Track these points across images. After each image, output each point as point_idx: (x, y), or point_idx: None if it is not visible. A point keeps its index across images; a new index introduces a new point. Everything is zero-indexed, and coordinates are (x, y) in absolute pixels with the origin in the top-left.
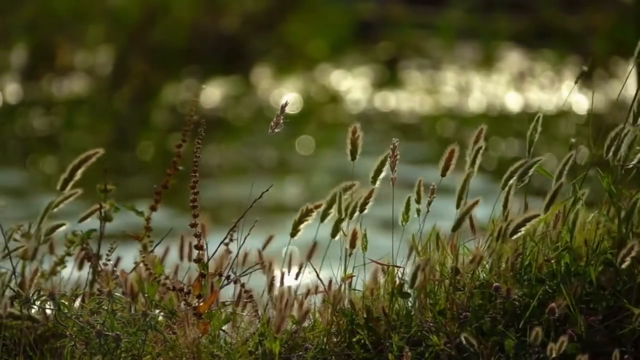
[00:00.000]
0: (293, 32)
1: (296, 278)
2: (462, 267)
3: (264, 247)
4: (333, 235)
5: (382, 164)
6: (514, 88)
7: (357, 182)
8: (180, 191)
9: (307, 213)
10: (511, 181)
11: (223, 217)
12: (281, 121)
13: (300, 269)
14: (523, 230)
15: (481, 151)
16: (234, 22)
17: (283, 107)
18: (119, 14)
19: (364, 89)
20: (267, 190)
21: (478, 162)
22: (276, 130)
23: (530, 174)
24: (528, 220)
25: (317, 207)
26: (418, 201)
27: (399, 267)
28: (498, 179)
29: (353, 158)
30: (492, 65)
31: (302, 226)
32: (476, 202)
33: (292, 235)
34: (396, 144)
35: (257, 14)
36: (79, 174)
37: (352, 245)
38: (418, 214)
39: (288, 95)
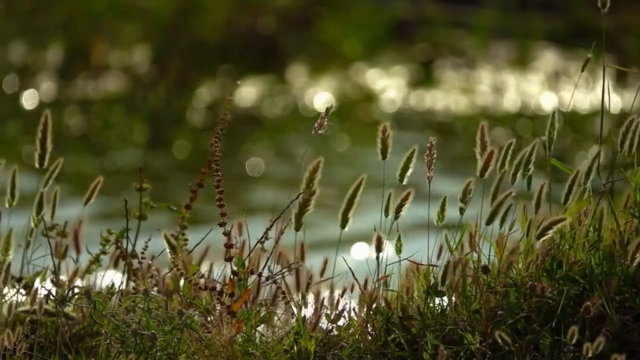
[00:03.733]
0: (328, 31)
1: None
2: (494, 266)
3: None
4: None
5: (409, 161)
6: (549, 87)
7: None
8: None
9: (306, 204)
10: (518, 174)
11: (259, 216)
12: (325, 123)
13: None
14: (550, 232)
15: (510, 153)
16: (270, 21)
17: (328, 109)
18: (154, 12)
19: (399, 88)
20: (302, 193)
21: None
22: (320, 132)
23: (533, 161)
24: (554, 223)
25: (312, 194)
26: (463, 200)
27: (435, 265)
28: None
29: (384, 157)
30: (526, 64)
31: (304, 218)
32: (509, 194)
33: (296, 229)
34: (433, 142)
35: (292, 12)
36: (49, 144)
37: (379, 249)
38: (461, 213)
39: (323, 94)
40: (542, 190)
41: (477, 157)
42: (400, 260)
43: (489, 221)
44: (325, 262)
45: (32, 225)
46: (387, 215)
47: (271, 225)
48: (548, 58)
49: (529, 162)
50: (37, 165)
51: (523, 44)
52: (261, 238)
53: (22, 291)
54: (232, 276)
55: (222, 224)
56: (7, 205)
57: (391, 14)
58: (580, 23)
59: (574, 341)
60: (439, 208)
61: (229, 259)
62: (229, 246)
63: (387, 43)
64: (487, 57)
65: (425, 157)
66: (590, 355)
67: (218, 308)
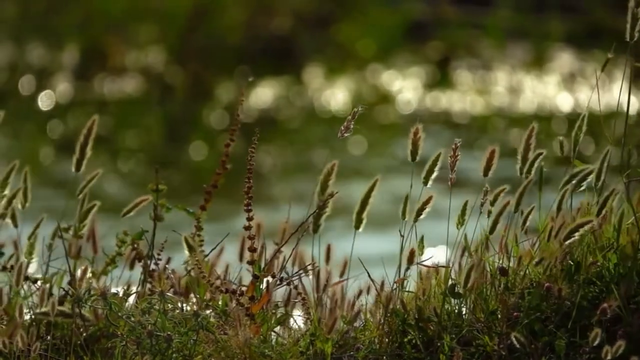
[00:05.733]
0: (344, 32)
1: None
2: (512, 268)
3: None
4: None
5: (434, 164)
6: (565, 89)
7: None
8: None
9: (324, 205)
10: (569, 185)
11: (274, 218)
12: (351, 126)
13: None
14: (577, 235)
15: (541, 157)
16: (286, 22)
17: (355, 113)
18: (171, 14)
19: (415, 89)
20: (332, 196)
21: (536, 166)
22: (346, 135)
23: (588, 180)
24: (581, 226)
25: (330, 196)
26: (492, 203)
27: (447, 267)
28: (547, 179)
29: (413, 159)
30: (542, 65)
31: (322, 220)
32: (506, 201)
33: (314, 231)
34: (458, 143)
35: (308, 13)
36: (89, 150)
37: (410, 261)
38: (488, 216)
39: (339, 95)
40: (564, 196)
41: (518, 157)
42: (417, 264)
43: (491, 231)
44: (345, 264)
45: (73, 235)
46: (403, 218)
47: (290, 236)
48: (564, 59)
49: (583, 179)
50: (73, 169)
51: (539, 45)
52: (281, 246)
53: (37, 292)
54: (252, 279)
55: (247, 228)
56: (19, 207)
57: (407, 15)
58: (596, 24)
59: (595, 343)
60: (460, 212)
61: (251, 262)
62: (252, 250)
63: (403, 44)
64: (503, 58)
65: (449, 158)
66: (609, 357)
67: (235, 309)
